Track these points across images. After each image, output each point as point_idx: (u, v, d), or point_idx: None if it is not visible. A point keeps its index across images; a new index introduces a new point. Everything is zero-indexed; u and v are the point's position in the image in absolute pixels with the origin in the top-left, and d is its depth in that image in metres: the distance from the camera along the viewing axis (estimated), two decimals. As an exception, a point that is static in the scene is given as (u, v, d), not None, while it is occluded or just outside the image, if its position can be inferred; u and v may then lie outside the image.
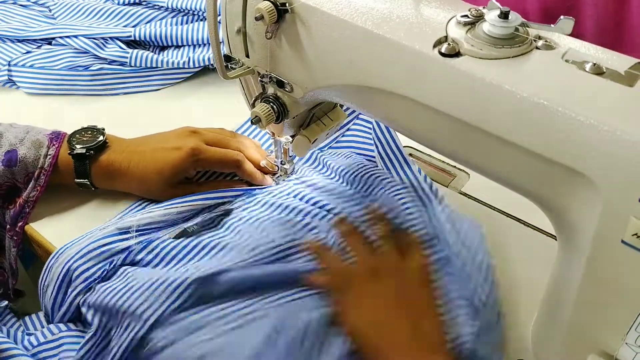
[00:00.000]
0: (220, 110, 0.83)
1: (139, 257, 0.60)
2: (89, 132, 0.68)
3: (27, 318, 0.63)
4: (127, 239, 0.61)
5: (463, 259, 0.57)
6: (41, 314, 0.63)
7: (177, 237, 0.63)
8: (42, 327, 0.61)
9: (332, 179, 0.69)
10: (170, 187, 0.67)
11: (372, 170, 0.67)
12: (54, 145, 0.66)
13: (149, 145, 0.68)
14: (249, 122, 0.71)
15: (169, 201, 0.65)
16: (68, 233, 0.65)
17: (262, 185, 0.70)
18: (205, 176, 0.71)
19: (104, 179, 0.67)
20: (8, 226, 0.67)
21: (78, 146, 0.66)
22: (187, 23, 0.92)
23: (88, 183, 0.67)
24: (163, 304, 0.54)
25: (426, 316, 0.53)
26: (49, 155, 0.66)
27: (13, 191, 0.67)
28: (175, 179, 0.67)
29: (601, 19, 0.86)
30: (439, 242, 0.60)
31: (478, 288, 0.55)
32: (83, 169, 0.66)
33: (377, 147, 0.70)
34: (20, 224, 0.67)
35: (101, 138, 0.67)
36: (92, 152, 0.66)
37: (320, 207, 0.64)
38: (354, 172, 0.68)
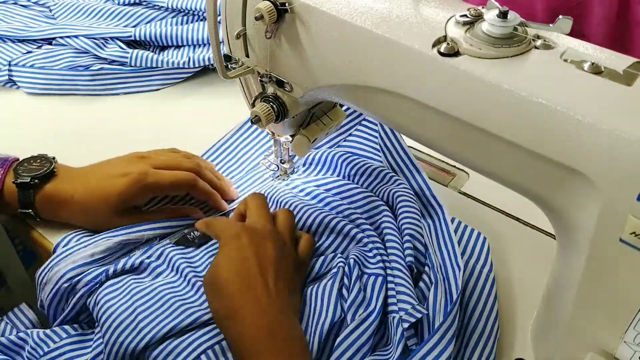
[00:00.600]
0: (220, 110, 0.84)
1: (141, 259, 0.60)
2: (38, 161, 0.65)
3: (13, 313, 0.62)
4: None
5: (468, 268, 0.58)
6: (25, 307, 0.62)
7: (177, 243, 0.62)
8: (32, 325, 0.61)
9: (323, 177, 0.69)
10: (117, 217, 0.63)
11: (373, 165, 0.68)
12: (0, 169, 0.63)
13: (95, 174, 0.64)
14: (249, 122, 0.70)
15: (111, 231, 0.62)
16: (67, 233, 0.65)
17: (217, 208, 0.68)
18: (161, 203, 0.69)
19: (49, 209, 0.64)
20: None
21: (23, 174, 0.63)
22: (187, 23, 0.92)
23: (32, 214, 0.63)
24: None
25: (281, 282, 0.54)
26: None
27: None
28: (122, 207, 0.63)
29: (608, 18, 0.86)
30: (428, 254, 0.60)
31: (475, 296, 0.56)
32: (27, 199, 0.62)
33: (384, 154, 0.69)
34: None
35: (48, 166, 0.64)
36: (36, 181, 0.62)
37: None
38: (355, 165, 0.68)
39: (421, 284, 0.58)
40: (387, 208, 0.64)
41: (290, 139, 0.64)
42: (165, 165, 0.65)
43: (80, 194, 0.63)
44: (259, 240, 0.55)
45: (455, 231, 0.63)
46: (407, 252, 0.59)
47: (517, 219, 0.68)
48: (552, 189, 0.44)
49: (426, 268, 0.60)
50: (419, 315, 0.54)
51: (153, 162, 0.65)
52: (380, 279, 0.57)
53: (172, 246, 0.61)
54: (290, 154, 0.68)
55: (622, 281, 0.43)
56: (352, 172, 0.69)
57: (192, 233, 0.63)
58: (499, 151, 0.45)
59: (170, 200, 0.69)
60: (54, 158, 0.66)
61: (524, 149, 0.43)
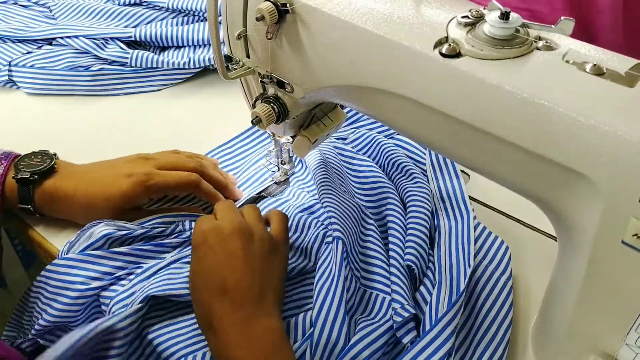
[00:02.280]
0: (220, 111, 0.84)
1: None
2: (39, 157, 0.65)
3: None
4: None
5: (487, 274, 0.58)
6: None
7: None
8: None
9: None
10: (117, 215, 0.63)
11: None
12: (2, 164, 0.63)
13: (98, 172, 0.64)
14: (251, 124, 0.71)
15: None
16: (68, 233, 0.65)
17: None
18: (162, 201, 0.69)
19: (48, 205, 0.64)
20: None
21: (24, 170, 0.63)
22: (187, 24, 0.92)
23: (31, 209, 0.63)
24: None
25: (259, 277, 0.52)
26: None
27: None
28: (124, 206, 0.63)
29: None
30: (438, 255, 0.60)
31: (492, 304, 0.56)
32: (26, 195, 0.63)
33: (430, 153, 0.70)
34: None
35: (48, 162, 0.64)
36: (36, 177, 0.62)
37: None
38: (389, 156, 0.70)
39: (426, 283, 0.58)
40: (397, 202, 0.64)
41: (291, 139, 0.64)
42: (168, 166, 0.66)
43: (82, 191, 0.63)
44: (224, 238, 0.53)
45: (479, 236, 0.62)
46: (408, 250, 0.59)
47: (518, 221, 0.68)
48: (553, 190, 0.44)
49: (429, 271, 0.59)
50: (407, 315, 0.53)
51: (157, 163, 0.65)
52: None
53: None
54: (290, 155, 0.68)
55: (624, 283, 0.43)
56: (385, 161, 0.70)
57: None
58: (500, 153, 0.45)
59: (172, 198, 0.70)
60: (55, 154, 0.66)
61: (525, 150, 0.43)
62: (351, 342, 0.52)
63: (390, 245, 0.60)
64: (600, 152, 0.39)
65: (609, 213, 0.40)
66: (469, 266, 0.57)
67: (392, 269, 0.58)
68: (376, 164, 0.71)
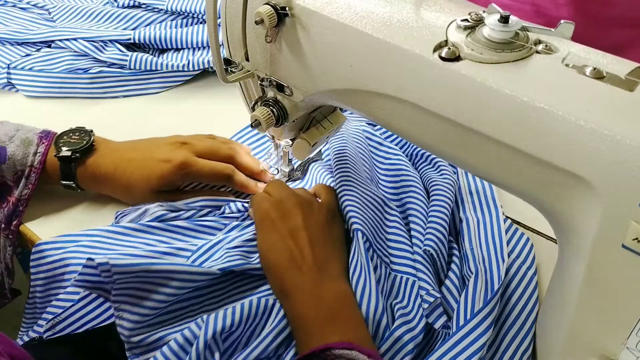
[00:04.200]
0: (219, 114, 0.83)
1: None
2: (77, 134, 0.68)
3: None
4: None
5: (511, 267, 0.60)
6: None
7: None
8: None
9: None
10: (154, 195, 0.67)
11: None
12: (43, 143, 0.66)
13: (137, 153, 0.67)
14: (247, 129, 0.74)
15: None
16: (64, 233, 0.65)
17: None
18: (193, 185, 0.71)
19: (90, 182, 0.67)
20: (3, 225, 0.67)
21: (64, 148, 0.66)
22: (186, 26, 0.92)
23: (74, 185, 0.67)
24: None
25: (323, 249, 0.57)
26: (39, 153, 0.66)
27: (3, 189, 0.66)
28: (161, 188, 0.67)
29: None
30: (462, 245, 0.61)
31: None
32: (69, 172, 0.66)
33: None
34: (15, 222, 0.66)
35: (87, 140, 0.67)
36: (77, 154, 0.66)
37: None
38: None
39: (455, 270, 0.59)
40: (420, 191, 0.65)
41: (290, 142, 0.64)
42: (205, 152, 0.68)
43: (121, 171, 0.66)
44: (285, 210, 0.59)
45: (506, 231, 0.64)
46: (427, 236, 0.60)
47: (518, 223, 0.68)
48: (553, 194, 0.44)
49: (454, 258, 0.61)
50: (432, 300, 0.55)
51: (193, 148, 0.68)
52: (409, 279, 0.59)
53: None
54: (289, 158, 0.68)
55: (624, 287, 0.43)
56: (413, 151, 0.72)
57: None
58: (500, 156, 0.45)
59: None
60: (91, 131, 0.69)
61: (525, 154, 0.43)
62: (392, 327, 0.54)
63: (412, 232, 0.62)
64: (600, 155, 0.39)
65: (609, 217, 0.40)
66: (503, 261, 0.58)
67: (416, 256, 0.59)
68: (403, 152, 0.72)
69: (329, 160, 0.69)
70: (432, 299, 0.55)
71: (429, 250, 0.59)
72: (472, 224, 0.63)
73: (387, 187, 0.68)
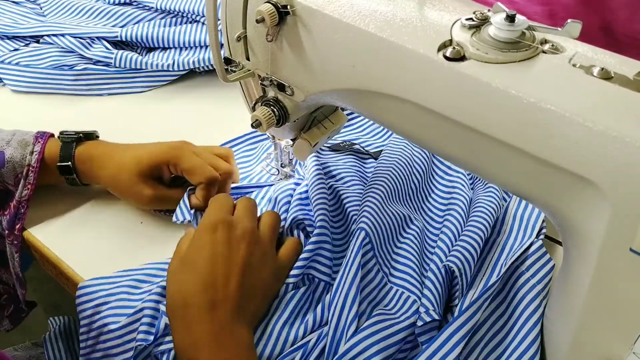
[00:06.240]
0: (206, 114, 0.83)
1: None
2: (80, 133, 0.69)
3: None
4: None
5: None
6: None
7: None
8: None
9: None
10: (140, 180, 0.66)
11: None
12: (39, 142, 0.67)
13: (136, 144, 0.69)
14: (245, 136, 0.74)
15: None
16: (64, 236, 0.66)
17: None
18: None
19: (86, 163, 0.67)
20: (6, 232, 0.66)
21: (67, 136, 0.68)
22: (176, 25, 0.91)
23: (70, 165, 0.67)
24: None
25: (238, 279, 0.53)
26: (35, 152, 0.66)
27: (5, 196, 0.67)
28: (149, 171, 0.66)
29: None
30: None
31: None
32: (68, 153, 0.67)
33: None
34: (17, 226, 0.66)
35: (91, 132, 0.70)
36: (81, 135, 0.69)
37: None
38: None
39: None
40: (462, 211, 0.63)
41: (291, 142, 0.63)
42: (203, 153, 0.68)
43: (116, 151, 0.68)
44: (233, 239, 0.55)
45: (535, 251, 0.59)
46: (453, 253, 0.58)
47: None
48: (560, 196, 0.43)
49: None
50: (428, 319, 0.53)
51: (194, 149, 0.68)
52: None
53: None
54: (290, 158, 0.68)
55: (631, 291, 0.42)
56: None
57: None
58: (506, 158, 0.44)
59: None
60: (95, 131, 0.72)
61: (531, 155, 0.42)
62: (362, 327, 0.53)
63: (436, 250, 0.60)
64: (608, 158, 0.38)
65: (617, 220, 0.40)
66: (503, 267, 0.57)
67: (429, 274, 0.57)
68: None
69: (382, 158, 0.69)
70: (428, 319, 0.53)
71: (450, 267, 0.56)
72: (495, 248, 0.61)
73: (436, 201, 0.68)
